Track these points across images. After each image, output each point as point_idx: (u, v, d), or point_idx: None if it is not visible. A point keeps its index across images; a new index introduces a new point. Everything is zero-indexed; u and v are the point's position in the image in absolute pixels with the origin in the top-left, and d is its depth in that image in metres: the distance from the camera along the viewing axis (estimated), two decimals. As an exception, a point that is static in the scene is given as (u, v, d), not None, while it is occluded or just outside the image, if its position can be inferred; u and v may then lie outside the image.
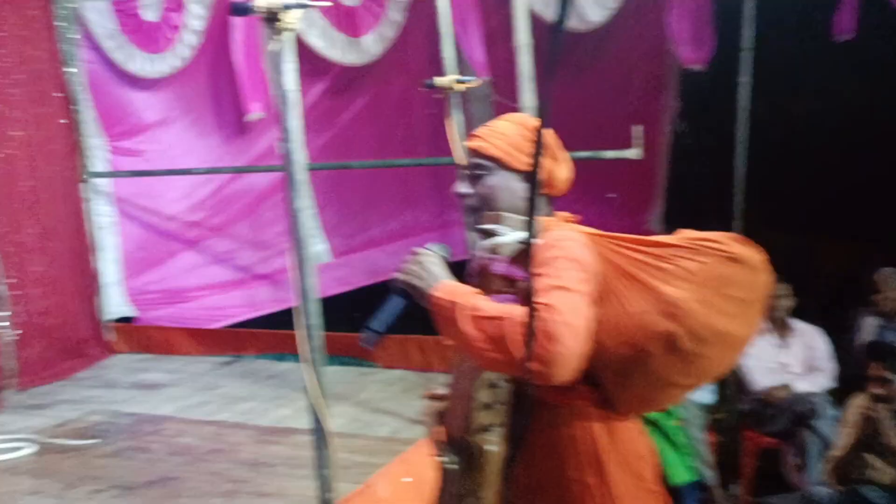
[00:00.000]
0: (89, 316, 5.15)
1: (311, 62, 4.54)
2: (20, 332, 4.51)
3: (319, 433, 1.96)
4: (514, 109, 3.73)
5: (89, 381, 4.72)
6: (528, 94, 3.71)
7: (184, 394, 4.35)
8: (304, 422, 1.90)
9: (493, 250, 1.51)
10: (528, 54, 3.70)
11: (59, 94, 4.97)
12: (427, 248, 1.48)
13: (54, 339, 4.77)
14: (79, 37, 5.15)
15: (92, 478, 3.09)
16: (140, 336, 5.38)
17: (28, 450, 3.40)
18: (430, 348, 4.59)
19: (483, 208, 1.52)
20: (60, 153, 4.99)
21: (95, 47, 5.22)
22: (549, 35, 1.16)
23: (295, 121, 1.91)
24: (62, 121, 5.00)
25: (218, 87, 5.22)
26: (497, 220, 1.50)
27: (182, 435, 3.59)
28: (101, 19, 5.17)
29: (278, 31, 1.89)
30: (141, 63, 5.19)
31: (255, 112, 4.98)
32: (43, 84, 4.85)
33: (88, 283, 5.17)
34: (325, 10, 4.59)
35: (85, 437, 3.55)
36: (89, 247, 5.22)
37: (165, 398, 4.27)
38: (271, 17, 1.86)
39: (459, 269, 1.53)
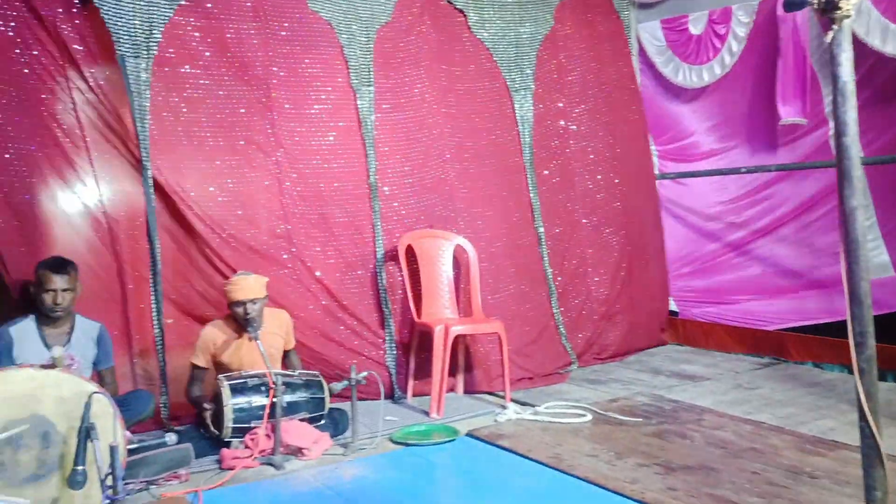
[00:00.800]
0: (648, 307, 5.59)
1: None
2: (560, 317, 5.18)
3: (871, 452, 1.82)
4: None
5: (637, 365, 5.19)
6: None
7: (722, 389, 4.44)
8: (852, 437, 1.79)
9: None
10: None
11: (634, 106, 5.62)
12: None
13: (608, 325, 5.36)
14: (636, 55, 5.72)
15: (638, 452, 3.40)
16: (682, 329, 5.66)
17: (587, 417, 3.94)
18: None
19: None
20: (635, 157, 5.60)
21: (649, 64, 5.74)
22: None
23: (851, 112, 1.82)
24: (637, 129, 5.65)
25: (757, 91, 5.19)
26: None
27: (720, 428, 3.67)
28: (651, 38, 5.68)
29: (835, 20, 1.82)
30: (686, 75, 5.53)
31: (790, 117, 4.83)
32: (621, 96, 5.55)
33: (650, 277, 5.62)
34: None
35: (632, 415, 3.93)
36: (660, 243, 5.72)
37: (704, 390, 4.42)
38: (827, 7, 1.80)
39: None
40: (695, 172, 5.68)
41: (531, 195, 5.15)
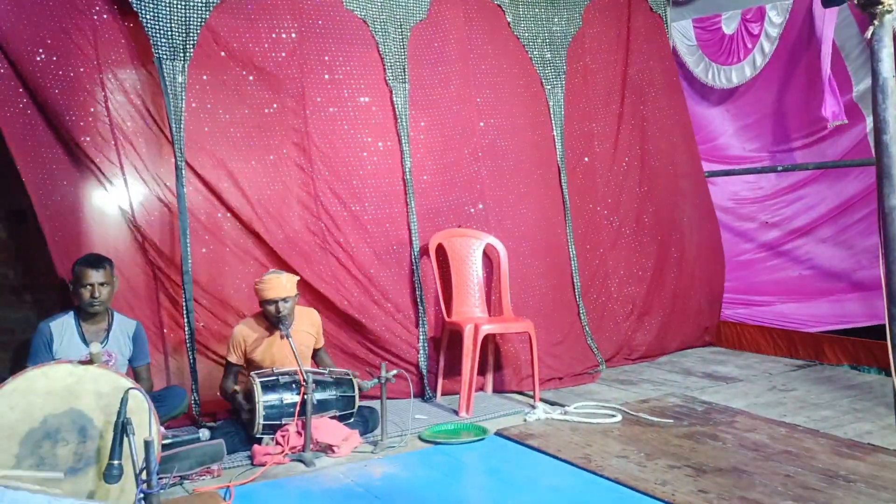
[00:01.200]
0: (685, 307, 5.50)
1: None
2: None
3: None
4: None
5: (668, 366, 5.13)
6: None
7: (755, 390, 4.38)
8: (889, 441, 1.75)
9: None
10: None
11: (671, 102, 5.57)
12: None
13: (637, 326, 5.31)
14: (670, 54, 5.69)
15: (668, 454, 3.37)
16: (715, 330, 5.59)
17: (617, 418, 3.90)
18: None
19: None
20: (672, 154, 5.53)
21: (679, 63, 5.71)
22: None
23: (892, 109, 1.78)
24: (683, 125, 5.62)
25: (789, 91, 5.14)
26: None
27: (753, 431, 3.62)
28: (683, 37, 5.65)
29: (876, 16, 1.79)
30: (716, 75, 5.50)
31: (837, 119, 4.78)
32: (657, 94, 5.50)
33: (688, 277, 5.52)
34: None
35: (662, 416, 3.89)
36: (709, 243, 5.64)
37: (737, 392, 4.36)
38: (868, 2, 1.77)
39: None
40: (732, 171, 5.62)
41: (563, 195, 5.13)
